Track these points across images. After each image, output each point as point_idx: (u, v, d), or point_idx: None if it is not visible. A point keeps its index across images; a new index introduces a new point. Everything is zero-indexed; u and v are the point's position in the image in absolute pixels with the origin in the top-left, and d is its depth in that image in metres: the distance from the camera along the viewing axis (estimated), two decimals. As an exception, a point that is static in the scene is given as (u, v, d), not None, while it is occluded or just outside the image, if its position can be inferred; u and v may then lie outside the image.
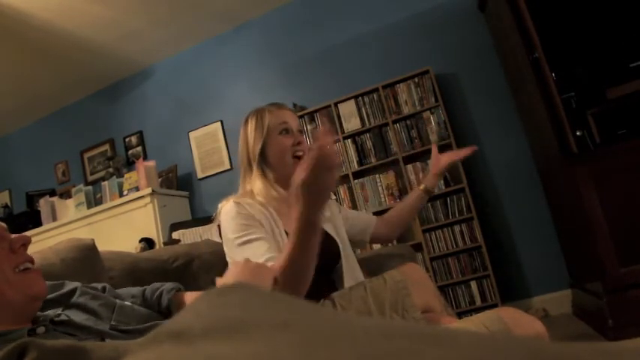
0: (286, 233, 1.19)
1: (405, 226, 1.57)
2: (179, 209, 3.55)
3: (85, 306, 0.79)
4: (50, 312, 0.76)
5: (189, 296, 0.96)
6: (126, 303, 0.85)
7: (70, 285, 0.85)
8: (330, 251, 1.29)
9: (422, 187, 1.49)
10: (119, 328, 0.76)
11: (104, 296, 0.85)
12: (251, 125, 1.32)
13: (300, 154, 1.27)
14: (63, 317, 0.73)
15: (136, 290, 0.98)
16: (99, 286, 0.91)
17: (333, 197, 3.09)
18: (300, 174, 0.83)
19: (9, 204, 4.35)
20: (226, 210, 1.19)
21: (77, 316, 0.75)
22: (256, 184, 1.26)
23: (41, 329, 0.68)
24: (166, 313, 0.93)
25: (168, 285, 0.99)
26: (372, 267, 1.53)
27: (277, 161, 1.26)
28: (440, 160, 1.49)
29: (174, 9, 3.30)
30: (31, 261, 0.75)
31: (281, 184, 1.26)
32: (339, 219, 1.41)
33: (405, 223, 1.55)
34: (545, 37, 2.17)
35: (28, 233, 3.58)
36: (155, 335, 0.20)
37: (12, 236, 0.74)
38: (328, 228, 1.33)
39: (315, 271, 1.24)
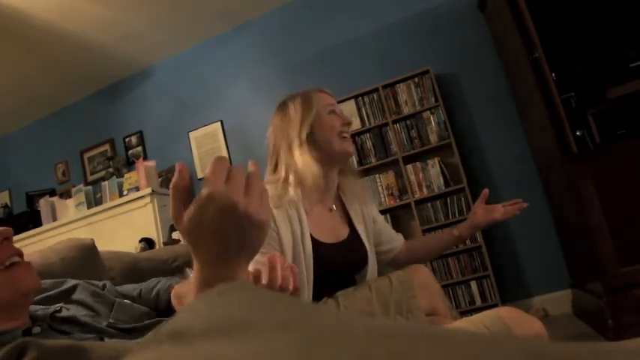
0: (312, 237, 1.16)
1: (423, 261, 1.47)
2: (179, 209, 3.54)
3: (85, 302, 0.79)
4: (50, 308, 0.75)
5: (181, 287, 0.95)
6: (125, 301, 0.85)
7: (70, 282, 0.85)
8: (356, 254, 1.26)
9: (456, 233, 1.41)
10: (117, 326, 0.76)
11: (103, 294, 0.85)
12: (296, 106, 1.27)
13: (346, 135, 1.24)
14: (64, 312, 0.73)
15: (130, 289, 0.97)
16: (100, 283, 0.91)
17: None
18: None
19: (9, 204, 4.35)
20: None
21: (77, 312, 0.75)
22: (305, 165, 1.18)
23: (37, 329, 0.67)
24: (166, 311, 0.92)
25: (163, 282, 0.98)
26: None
27: (326, 141, 1.22)
28: (480, 214, 1.37)
29: (174, 9, 3.30)
30: (19, 254, 0.71)
31: (324, 167, 1.22)
32: (370, 226, 1.35)
33: (425, 258, 1.48)
34: (545, 37, 2.17)
35: (28, 233, 3.53)
36: (154, 335, 0.20)
37: None
38: (360, 230, 1.30)
39: (340, 272, 1.23)
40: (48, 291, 0.81)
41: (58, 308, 0.73)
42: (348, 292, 1.16)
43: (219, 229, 0.44)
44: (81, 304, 0.78)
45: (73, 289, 0.82)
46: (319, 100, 1.26)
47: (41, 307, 0.75)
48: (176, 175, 0.48)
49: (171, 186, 0.48)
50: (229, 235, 0.45)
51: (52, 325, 0.70)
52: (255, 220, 0.45)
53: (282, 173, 1.21)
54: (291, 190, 1.17)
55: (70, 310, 0.74)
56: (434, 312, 1.15)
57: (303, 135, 1.21)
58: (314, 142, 1.22)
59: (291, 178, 1.19)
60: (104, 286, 0.91)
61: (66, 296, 0.80)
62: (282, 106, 1.31)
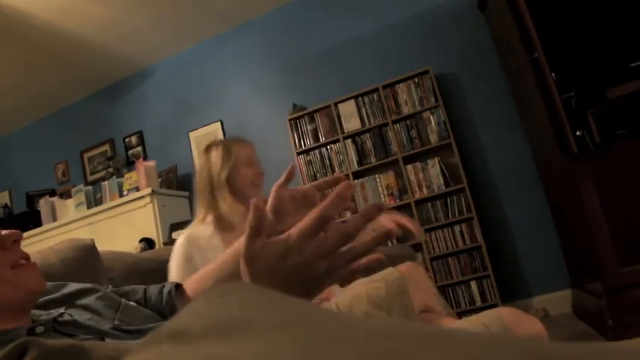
0: None
1: None
2: (179, 209, 3.55)
3: (89, 306, 0.78)
4: (53, 311, 0.75)
5: (191, 282, 0.94)
6: (131, 303, 0.85)
7: (74, 286, 0.84)
8: None
9: None
10: (122, 328, 0.76)
11: (109, 295, 0.85)
12: (217, 154, 1.43)
13: (259, 183, 1.41)
14: (66, 317, 0.73)
15: (137, 287, 0.97)
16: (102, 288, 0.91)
17: None
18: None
19: (9, 204, 4.35)
20: (177, 243, 1.33)
21: (80, 316, 0.75)
22: (230, 207, 1.37)
23: (40, 329, 0.67)
24: (170, 309, 0.91)
25: (168, 283, 0.98)
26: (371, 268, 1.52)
27: (240, 188, 1.39)
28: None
29: (174, 9, 3.30)
30: (26, 257, 0.73)
31: (244, 205, 1.40)
32: None
33: None
34: (545, 37, 2.17)
35: (28, 233, 3.53)
36: (154, 335, 0.20)
37: (2, 233, 0.71)
38: None
39: None
40: (50, 294, 0.81)
41: (61, 313, 0.73)
42: (342, 292, 1.16)
43: (289, 277, 0.44)
44: (85, 308, 0.78)
45: (78, 293, 0.82)
46: (238, 150, 1.42)
47: (44, 311, 0.75)
48: (253, 214, 0.46)
49: (248, 225, 0.46)
50: (293, 288, 0.44)
51: (55, 328, 0.70)
52: (321, 286, 0.46)
53: (208, 214, 1.39)
54: (211, 229, 1.35)
55: (73, 315, 0.74)
56: (428, 309, 1.16)
57: (222, 179, 1.39)
58: (231, 186, 1.40)
59: (210, 217, 1.37)
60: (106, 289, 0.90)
61: (69, 299, 0.80)
62: (207, 151, 1.47)
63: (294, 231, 0.44)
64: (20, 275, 0.70)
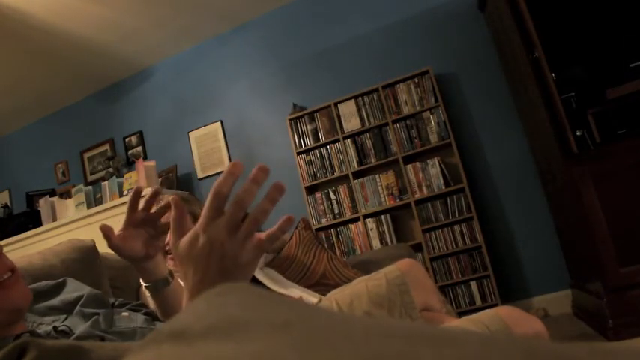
0: None
1: None
2: (179, 209, 3.54)
3: (85, 313, 0.78)
4: (51, 318, 0.75)
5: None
6: (124, 313, 0.84)
7: (73, 290, 0.84)
8: None
9: None
10: (117, 330, 0.75)
11: (106, 301, 0.85)
12: None
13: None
14: (63, 327, 0.72)
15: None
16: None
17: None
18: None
19: (9, 204, 4.34)
20: None
21: (78, 325, 0.74)
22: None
23: (26, 335, 0.65)
24: None
25: None
26: (370, 268, 1.53)
27: None
28: None
29: (174, 9, 3.30)
30: (11, 269, 0.68)
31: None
32: None
33: None
34: (545, 37, 2.17)
35: (28, 233, 3.50)
36: (155, 335, 0.20)
37: None
38: None
39: None
40: (50, 296, 0.81)
41: (59, 325, 0.72)
42: (343, 289, 1.16)
43: (204, 259, 0.48)
44: (83, 315, 0.78)
45: (79, 299, 0.81)
46: None
47: (45, 319, 0.74)
48: (173, 209, 0.53)
49: (171, 218, 0.53)
50: (211, 266, 0.47)
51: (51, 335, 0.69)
52: (238, 260, 0.48)
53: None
54: None
55: (70, 325, 0.73)
56: (428, 307, 1.15)
57: None
58: None
59: None
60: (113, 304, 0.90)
61: (71, 308, 0.79)
62: None
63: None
64: (3, 296, 0.65)
